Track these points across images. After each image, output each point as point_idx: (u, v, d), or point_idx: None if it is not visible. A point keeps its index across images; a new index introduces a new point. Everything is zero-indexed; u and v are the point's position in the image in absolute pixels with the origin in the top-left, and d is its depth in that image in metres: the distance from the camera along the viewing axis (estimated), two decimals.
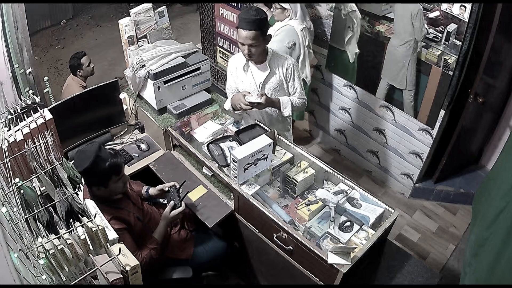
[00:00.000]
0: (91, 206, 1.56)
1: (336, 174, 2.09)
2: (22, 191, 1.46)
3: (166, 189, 2.17)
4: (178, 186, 2.15)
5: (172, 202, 2.09)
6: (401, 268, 2.00)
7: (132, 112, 2.73)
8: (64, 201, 1.44)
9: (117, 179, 1.84)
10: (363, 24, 2.92)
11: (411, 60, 2.72)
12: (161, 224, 2.07)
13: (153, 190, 2.23)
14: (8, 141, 1.71)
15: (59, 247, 1.24)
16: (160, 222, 2.08)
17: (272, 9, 2.92)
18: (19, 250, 1.21)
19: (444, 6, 2.42)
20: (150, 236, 2.03)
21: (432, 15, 2.50)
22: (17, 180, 1.46)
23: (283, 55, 2.33)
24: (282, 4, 2.80)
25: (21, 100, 2.03)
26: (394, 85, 2.93)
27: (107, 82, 2.52)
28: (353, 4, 2.89)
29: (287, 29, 2.85)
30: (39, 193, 1.56)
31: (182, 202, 2.09)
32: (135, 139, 2.69)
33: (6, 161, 1.56)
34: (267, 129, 2.32)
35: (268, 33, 2.16)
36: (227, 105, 2.37)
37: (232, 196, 2.16)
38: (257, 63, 2.27)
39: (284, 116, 2.37)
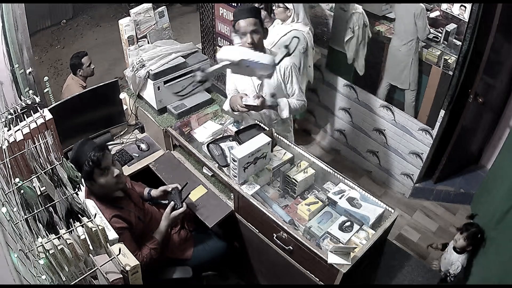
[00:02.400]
0: (91, 206, 1.57)
1: (336, 174, 2.09)
2: (22, 191, 1.46)
3: (169, 189, 2.17)
4: (180, 188, 2.16)
5: (172, 203, 2.09)
6: (401, 268, 2.00)
7: (132, 112, 2.73)
8: (64, 201, 1.44)
9: (100, 172, 1.80)
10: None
11: (413, 60, 2.72)
12: (162, 224, 2.07)
13: (155, 192, 2.23)
14: (8, 141, 1.71)
15: (59, 247, 1.24)
16: (161, 222, 2.08)
17: (274, 7, 2.91)
18: (19, 250, 1.21)
19: (444, 6, 2.42)
20: (150, 236, 2.03)
21: (432, 15, 2.50)
22: (17, 180, 1.46)
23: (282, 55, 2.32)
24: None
25: (21, 100, 2.03)
26: (396, 86, 2.93)
27: (107, 82, 2.52)
28: (359, 6, 2.88)
29: (296, 34, 2.79)
30: (39, 193, 1.56)
31: (183, 203, 2.10)
32: (135, 139, 2.69)
33: (6, 161, 1.56)
34: (267, 129, 2.32)
35: (264, 27, 2.18)
36: (226, 106, 2.37)
37: (232, 196, 2.16)
38: None
39: (282, 118, 2.36)
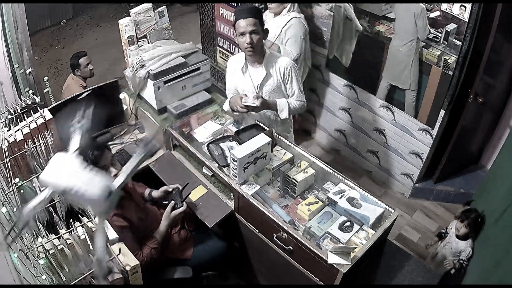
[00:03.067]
0: None
1: (336, 174, 2.09)
2: (22, 191, 1.46)
3: (170, 189, 2.17)
4: (181, 188, 2.16)
5: (172, 202, 2.09)
6: (401, 268, 2.00)
7: (132, 112, 2.73)
8: (64, 201, 1.44)
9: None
10: (362, 24, 2.92)
11: (414, 60, 2.72)
12: (162, 224, 2.07)
13: (156, 193, 2.23)
14: (8, 141, 1.71)
15: (59, 247, 1.24)
16: (162, 222, 2.08)
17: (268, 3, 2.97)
18: (19, 250, 1.22)
19: (444, 6, 2.42)
20: (151, 236, 2.04)
21: (432, 15, 2.50)
22: (17, 180, 1.46)
23: (281, 56, 2.33)
24: None
25: (21, 100, 2.03)
26: (396, 86, 2.93)
27: (107, 82, 2.52)
28: None
29: (297, 22, 2.90)
30: (39, 193, 1.56)
31: (184, 203, 2.10)
32: (135, 139, 2.69)
33: (6, 161, 1.57)
34: (267, 129, 2.32)
35: (265, 27, 2.18)
36: (226, 106, 2.38)
37: (232, 196, 2.16)
38: (255, 65, 2.26)
39: (281, 119, 2.36)
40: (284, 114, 2.30)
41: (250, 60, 2.26)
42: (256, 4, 3.10)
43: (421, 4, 2.50)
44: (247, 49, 2.16)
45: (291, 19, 2.88)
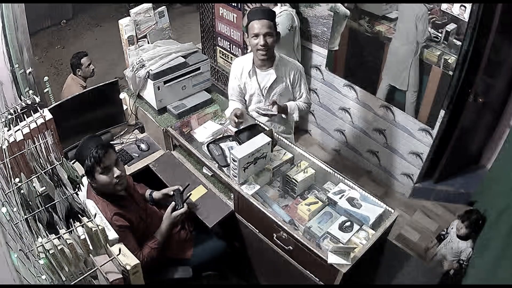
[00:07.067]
0: (91, 206, 1.57)
1: (336, 174, 2.09)
2: (22, 191, 1.46)
3: (171, 193, 2.17)
4: (181, 189, 2.16)
5: (173, 203, 2.09)
6: (401, 268, 2.00)
7: (132, 112, 2.73)
8: (64, 201, 1.44)
9: (101, 170, 1.80)
10: (362, 24, 2.92)
11: (413, 62, 2.72)
12: (163, 224, 2.07)
13: (157, 194, 2.23)
14: (8, 141, 1.71)
15: (59, 247, 1.24)
16: (162, 222, 2.08)
17: None
18: (19, 250, 1.22)
19: (444, 6, 2.42)
20: (151, 236, 2.04)
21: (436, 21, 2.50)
22: (17, 180, 1.46)
23: (291, 60, 2.34)
24: None
25: (21, 100, 2.03)
26: (395, 86, 2.93)
27: (107, 82, 2.52)
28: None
29: (287, 14, 3.07)
30: (39, 192, 1.56)
31: (185, 204, 2.10)
32: (135, 139, 2.69)
33: (6, 161, 1.57)
34: (267, 129, 2.32)
35: (278, 31, 2.18)
36: (228, 112, 2.39)
37: (232, 196, 2.16)
38: (264, 68, 2.26)
39: (293, 120, 2.40)
40: (295, 116, 2.34)
41: (259, 63, 2.26)
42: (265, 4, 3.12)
43: (425, 7, 2.50)
44: (259, 51, 2.16)
45: (282, 11, 3.04)
